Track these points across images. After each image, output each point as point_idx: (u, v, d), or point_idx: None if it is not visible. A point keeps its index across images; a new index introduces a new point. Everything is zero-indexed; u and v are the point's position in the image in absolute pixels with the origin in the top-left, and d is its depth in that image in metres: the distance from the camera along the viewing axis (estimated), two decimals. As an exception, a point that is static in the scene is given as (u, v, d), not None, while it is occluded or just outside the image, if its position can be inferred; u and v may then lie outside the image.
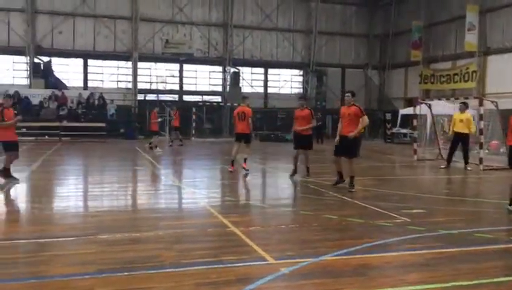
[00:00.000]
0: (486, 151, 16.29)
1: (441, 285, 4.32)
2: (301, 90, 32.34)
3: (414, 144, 17.11)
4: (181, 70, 30.89)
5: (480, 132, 14.11)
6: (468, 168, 13.68)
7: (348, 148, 9.56)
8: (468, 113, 14.11)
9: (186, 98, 30.80)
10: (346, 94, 10.04)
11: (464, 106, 14.18)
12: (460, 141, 13.93)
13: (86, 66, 29.32)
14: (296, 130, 11.26)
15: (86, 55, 28.79)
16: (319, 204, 8.26)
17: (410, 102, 26.68)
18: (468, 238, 6.01)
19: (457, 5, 26.32)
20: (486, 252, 5.43)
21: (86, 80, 29.35)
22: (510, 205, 7.65)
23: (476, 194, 10.60)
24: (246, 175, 11.73)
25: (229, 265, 4.75)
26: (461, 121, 13.82)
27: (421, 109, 17.98)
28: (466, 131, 13.76)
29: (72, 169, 13.86)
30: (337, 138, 9.87)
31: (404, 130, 25.76)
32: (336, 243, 5.62)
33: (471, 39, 24.62)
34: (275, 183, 11.80)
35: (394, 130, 26.83)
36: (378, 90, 33.84)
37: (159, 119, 19.16)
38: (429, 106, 17.61)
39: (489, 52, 24.75)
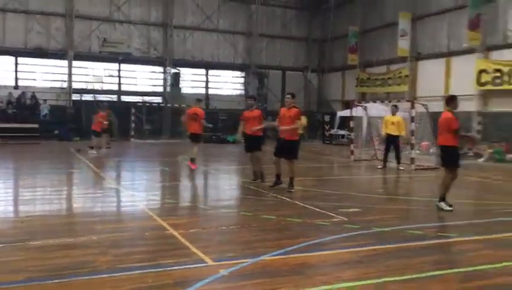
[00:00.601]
0: (418, 151, 17.09)
1: (374, 281, 4.48)
2: (242, 92, 32.47)
3: (351, 145, 17.68)
4: (119, 70, 30.09)
5: (412, 133, 14.79)
6: (401, 168, 14.30)
7: (288, 149, 9.70)
8: (399, 116, 14.74)
9: (125, 98, 30.00)
10: (287, 96, 10.18)
11: (395, 109, 14.83)
12: (391, 142, 14.55)
13: (16, 64, 27.86)
14: (246, 132, 10.86)
15: (16, 53, 27.36)
16: (259, 205, 8.33)
17: (348, 104, 27.51)
18: (399, 235, 6.28)
19: (390, 12, 27.44)
20: (416, 248, 5.69)
21: (16, 78, 27.89)
22: (439, 202, 8.08)
23: (407, 193, 11.10)
24: (192, 171, 12.29)
25: (167, 268, 4.68)
26: (393, 123, 14.44)
27: (358, 111, 18.61)
28: (397, 133, 14.40)
29: (0, 172, 13.11)
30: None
31: (342, 132, 26.49)
32: (274, 243, 5.68)
33: (403, 45, 25.74)
34: (216, 184, 11.76)
35: (332, 131, 27.52)
36: (317, 92, 34.63)
37: (104, 121, 18.41)
38: (365, 108, 18.23)
39: (420, 58, 25.98)
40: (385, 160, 14.67)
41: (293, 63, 33.72)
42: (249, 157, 11.03)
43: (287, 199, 8.80)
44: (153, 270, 4.63)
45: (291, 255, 5.20)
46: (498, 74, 20.91)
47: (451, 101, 8.41)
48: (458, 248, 5.79)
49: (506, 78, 20.59)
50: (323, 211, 7.62)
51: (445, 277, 4.64)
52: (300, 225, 6.78)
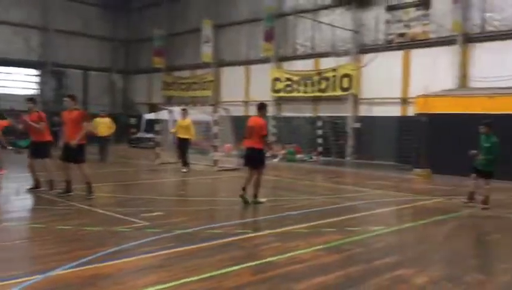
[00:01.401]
0: (221, 153, 17.90)
1: (173, 283, 4.47)
2: (38, 92, 29.59)
3: (157, 148, 17.58)
4: None
5: (215, 136, 15.42)
6: (184, 170, 14.65)
7: (74, 153, 9.07)
8: (189, 120, 15.13)
9: None
10: (65, 98, 9.56)
11: (185, 113, 15.18)
12: (183, 145, 14.95)
13: None
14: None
15: None
16: (54, 215, 7.63)
17: (154, 107, 27.36)
18: (200, 236, 6.43)
19: (195, 18, 28.21)
20: (215, 247, 5.89)
21: None
22: (255, 198, 9.01)
23: (211, 194, 11.48)
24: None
25: None
26: (183, 127, 14.81)
27: (164, 115, 18.64)
28: (187, 136, 14.84)
29: None
30: (61, 143, 9.35)
31: (148, 135, 26.17)
32: (69, 255, 5.25)
33: (207, 51, 26.74)
34: (1, 195, 10.39)
35: (139, 134, 27.03)
36: (123, 94, 33.68)
37: None
38: (170, 112, 18.34)
39: (222, 64, 27.34)
40: (185, 163, 14.94)
41: (97, 63, 32.10)
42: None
43: (86, 207, 8.28)
44: None
45: (87, 267, 4.87)
46: (289, 82, 23.27)
47: (262, 108, 9.23)
48: (252, 242, 6.18)
49: (295, 86, 23.03)
50: (125, 217, 7.37)
51: (239, 271, 4.89)
52: (99, 234, 6.42)
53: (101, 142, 17.39)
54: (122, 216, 7.48)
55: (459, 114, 14.44)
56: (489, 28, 17.52)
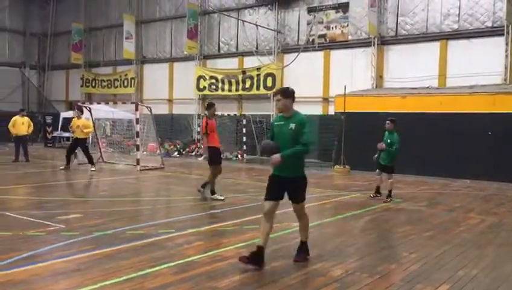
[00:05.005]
0: (144, 153, 17.51)
1: (90, 287, 4.31)
2: None
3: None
4: None
5: (137, 134, 15.05)
6: (60, 168, 14.46)
7: None
8: (84, 119, 14.89)
9: None
10: None
11: (79, 113, 14.83)
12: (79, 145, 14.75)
13: None
14: None
15: None
16: (-42, 220, 7.09)
17: (72, 105, 26.19)
18: (121, 237, 6.25)
19: (115, 13, 27.36)
20: (136, 248, 5.76)
21: None
22: (212, 195, 9.44)
23: (133, 194, 11.17)
24: None
25: None
26: (78, 126, 14.46)
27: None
28: (83, 136, 14.64)
29: None
30: None
31: (66, 134, 25.02)
32: (-25, 263, 4.90)
33: (129, 47, 26.01)
34: None
35: (56, 133, 25.77)
36: (38, 91, 31.89)
37: None
38: (90, 110, 17.63)
39: (145, 61, 26.73)
40: (69, 160, 14.71)
41: (7, 57, 30.15)
42: None
43: (-4, 211, 7.76)
44: None
45: (-3, 274, 4.57)
46: (213, 81, 23.25)
47: (208, 107, 9.77)
48: (175, 242, 6.11)
49: (220, 84, 23.05)
50: (39, 221, 7.00)
51: (160, 272, 4.81)
52: (9, 239, 6.04)
53: (18, 141, 16.72)
54: (35, 219, 7.10)
55: (374, 113, 15.20)
56: (402, 32, 18.61)
